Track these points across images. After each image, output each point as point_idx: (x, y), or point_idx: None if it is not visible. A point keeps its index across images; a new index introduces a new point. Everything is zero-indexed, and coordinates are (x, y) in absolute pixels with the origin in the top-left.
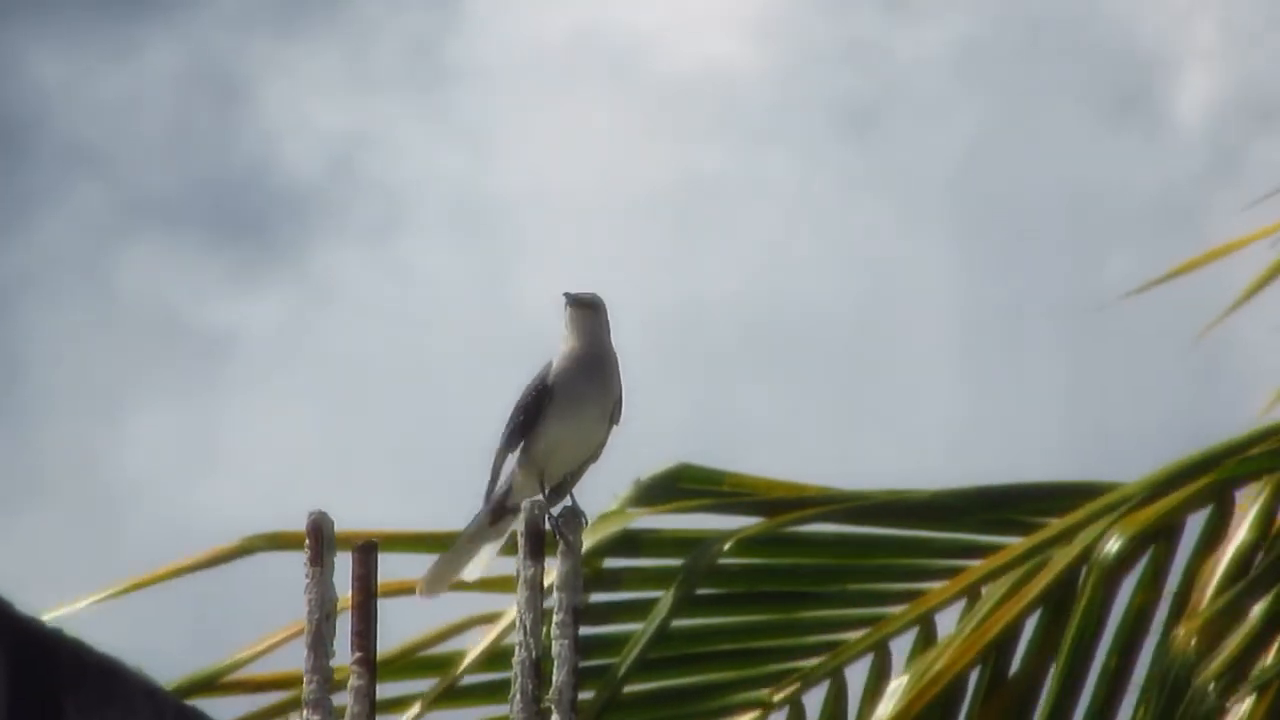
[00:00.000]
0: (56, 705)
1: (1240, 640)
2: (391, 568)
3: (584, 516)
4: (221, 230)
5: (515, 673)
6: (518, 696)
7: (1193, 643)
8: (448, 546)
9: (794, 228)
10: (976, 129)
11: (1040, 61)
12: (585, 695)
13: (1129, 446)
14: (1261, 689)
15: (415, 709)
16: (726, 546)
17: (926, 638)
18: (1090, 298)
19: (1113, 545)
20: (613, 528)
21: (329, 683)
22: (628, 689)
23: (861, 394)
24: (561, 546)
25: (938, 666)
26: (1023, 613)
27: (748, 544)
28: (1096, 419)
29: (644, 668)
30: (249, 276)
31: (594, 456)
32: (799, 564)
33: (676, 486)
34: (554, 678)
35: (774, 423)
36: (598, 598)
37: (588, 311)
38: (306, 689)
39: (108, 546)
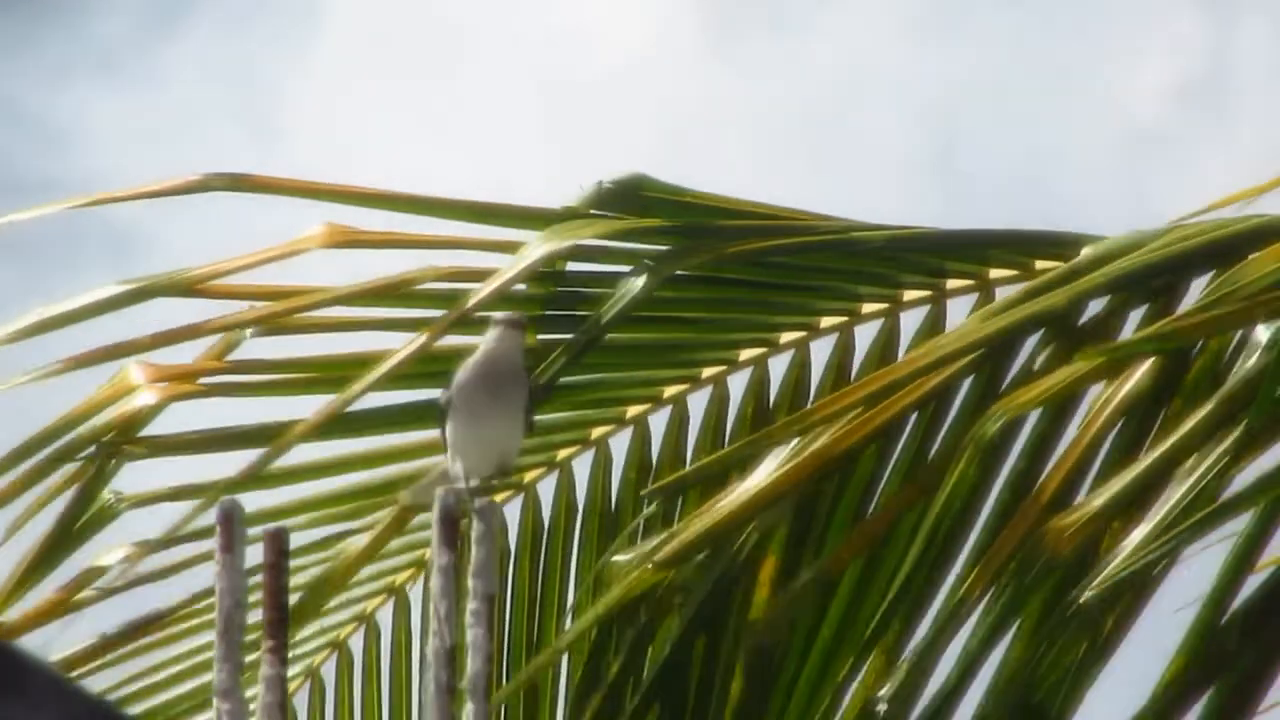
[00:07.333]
0: None
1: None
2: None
3: (499, 509)
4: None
5: (429, 661)
6: (431, 685)
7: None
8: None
9: None
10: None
11: None
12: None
13: None
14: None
15: None
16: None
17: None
18: None
19: None
20: (570, 235)
21: (240, 670)
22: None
23: None
24: (476, 534)
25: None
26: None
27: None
28: None
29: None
30: None
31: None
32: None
33: (638, 195)
34: (468, 666)
35: None
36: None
37: (505, 329)
38: (217, 678)
39: None
